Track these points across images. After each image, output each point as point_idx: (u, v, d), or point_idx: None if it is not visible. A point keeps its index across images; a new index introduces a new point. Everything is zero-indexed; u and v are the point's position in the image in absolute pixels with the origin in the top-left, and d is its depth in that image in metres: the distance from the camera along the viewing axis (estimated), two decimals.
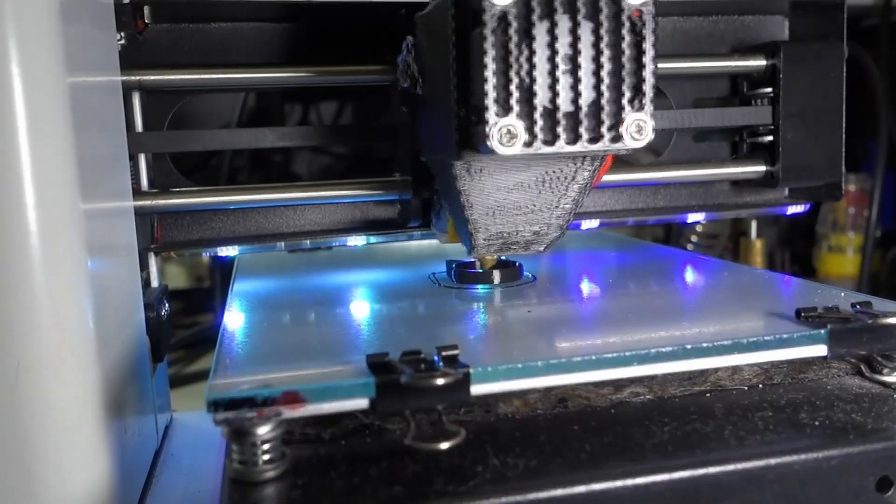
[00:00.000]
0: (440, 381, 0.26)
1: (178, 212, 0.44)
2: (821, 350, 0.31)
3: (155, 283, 0.43)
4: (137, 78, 0.40)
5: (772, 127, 0.47)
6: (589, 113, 0.29)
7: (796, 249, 0.85)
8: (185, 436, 0.43)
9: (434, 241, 0.48)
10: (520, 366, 0.28)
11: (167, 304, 0.41)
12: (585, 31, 0.29)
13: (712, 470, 0.25)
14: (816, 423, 0.28)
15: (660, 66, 0.47)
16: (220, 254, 0.45)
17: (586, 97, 0.29)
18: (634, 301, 0.39)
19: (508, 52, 0.28)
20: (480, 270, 0.43)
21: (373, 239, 0.47)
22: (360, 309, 0.39)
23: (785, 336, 0.31)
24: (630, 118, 0.29)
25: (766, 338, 0.30)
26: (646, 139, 0.29)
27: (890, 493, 0.26)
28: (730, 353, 0.30)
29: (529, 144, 0.29)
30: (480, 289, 0.42)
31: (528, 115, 0.28)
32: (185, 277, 0.80)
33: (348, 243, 0.47)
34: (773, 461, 0.26)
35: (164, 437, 0.42)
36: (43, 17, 0.26)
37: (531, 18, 0.28)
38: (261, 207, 0.45)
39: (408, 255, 0.52)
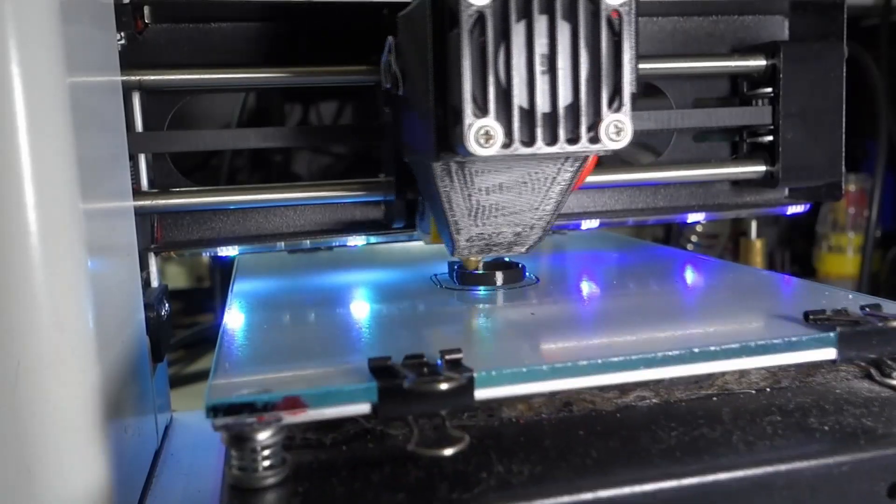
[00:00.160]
0: (444, 386, 0.26)
1: (178, 212, 0.44)
2: (830, 353, 0.31)
3: (155, 283, 0.43)
4: (137, 78, 0.40)
5: (772, 127, 0.47)
6: (567, 114, 0.29)
7: (796, 249, 0.85)
8: (185, 436, 0.43)
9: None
10: (524, 370, 0.28)
11: (167, 304, 0.41)
12: (563, 31, 0.28)
13: (721, 476, 0.25)
14: (826, 427, 0.28)
15: (660, 66, 0.48)
16: (220, 254, 0.45)
17: (564, 98, 0.29)
18: (639, 303, 0.39)
19: (485, 52, 0.28)
20: (482, 272, 0.42)
21: (373, 239, 0.47)
22: (362, 310, 0.39)
23: (794, 339, 0.30)
24: (608, 119, 0.29)
25: (774, 341, 0.30)
26: (624, 140, 0.29)
27: None
28: (738, 357, 0.30)
29: (507, 145, 0.28)
30: (483, 290, 0.41)
31: (505, 116, 0.28)
32: (185, 277, 0.80)
33: (348, 244, 0.47)
34: (783, 467, 0.25)
35: (164, 437, 0.42)
36: (43, 17, 0.26)
37: (508, 19, 0.28)
38: (259, 207, 0.45)
39: (409, 256, 0.52)
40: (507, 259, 0.43)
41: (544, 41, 0.28)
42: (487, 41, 0.28)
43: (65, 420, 0.27)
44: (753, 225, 0.74)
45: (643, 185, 0.49)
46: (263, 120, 0.79)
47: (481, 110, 0.28)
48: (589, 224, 0.49)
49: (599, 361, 0.28)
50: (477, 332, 0.35)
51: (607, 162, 0.50)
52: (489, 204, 0.34)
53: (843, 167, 0.47)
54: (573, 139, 0.29)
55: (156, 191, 0.43)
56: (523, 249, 0.37)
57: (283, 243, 0.47)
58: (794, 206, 0.51)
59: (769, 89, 0.47)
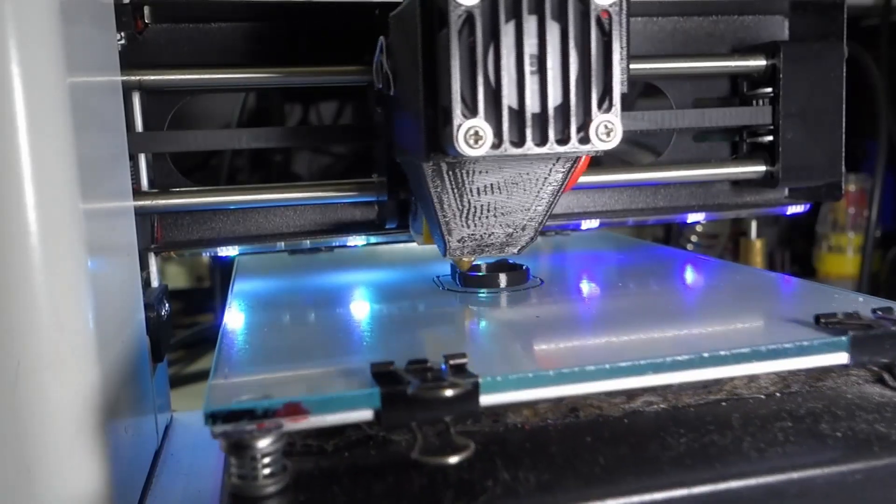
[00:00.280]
0: (448, 393, 0.26)
1: (178, 212, 0.44)
2: (842, 358, 0.30)
3: (155, 283, 0.43)
4: (137, 78, 0.40)
5: (772, 127, 0.47)
6: (557, 114, 0.29)
7: (796, 249, 0.85)
8: (185, 436, 0.43)
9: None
10: (531, 375, 0.27)
11: (167, 304, 0.41)
12: (552, 31, 0.28)
13: (733, 484, 0.24)
14: (839, 434, 0.27)
15: (660, 66, 0.48)
16: (220, 254, 0.45)
17: (554, 98, 0.28)
18: (645, 306, 0.38)
19: (474, 52, 0.28)
20: (486, 274, 0.42)
21: (372, 239, 0.47)
22: (363, 313, 0.39)
23: (805, 343, 0.29)
24: (598, 119, 0.29)
25: (786, 345, 0.29)
26: (614, 141, 0.29)
27: None
28: (748, 362, 0.29)
29: (496, 146, 0.28)
30: (487, 293, 0.41)
31: (495, 116, 0.28)
32: (185, 277, 0.80)
33: (347, 244, 0.47)
34: (795, 475, 0.25)
35: (164, 437, 0.42)
36: (43, 17, 0.26)
37: (497, 19, 0.28)
38: (258, 207, 0.45)
39: (411, 257, 0.51)
40: (510, 261, 0.43)
41: (534, 41, 0.28)
42: (476, 41, 0.28)
43: (65, 420, 0.27)
44: (753, 225, 0.74)
45: (643, 185, 0.49)
46: (263, 120, 0.79)
47: (470, 111, 0.28)
48: (589, 224, 0.49)
49: (608, 366, 0.28)
50: (481, 335, 0.34)
51: (607, 162, 0.50)
52: (480, 205, 0.34)
53: (843, 167, 0.47)
54: (563, 140, 0.29)
55: (156, 191, 0.43)
56: (515, 250, 0.36)
57: (282, 243, 0.47)
58: (794, 206, 0.51)
59: (769, 89, 0.47)
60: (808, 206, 0.51)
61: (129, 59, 0.40)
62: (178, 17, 0.43)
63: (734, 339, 0.30)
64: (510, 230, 0.36)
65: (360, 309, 0.39)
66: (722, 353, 0.29)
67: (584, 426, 0.28)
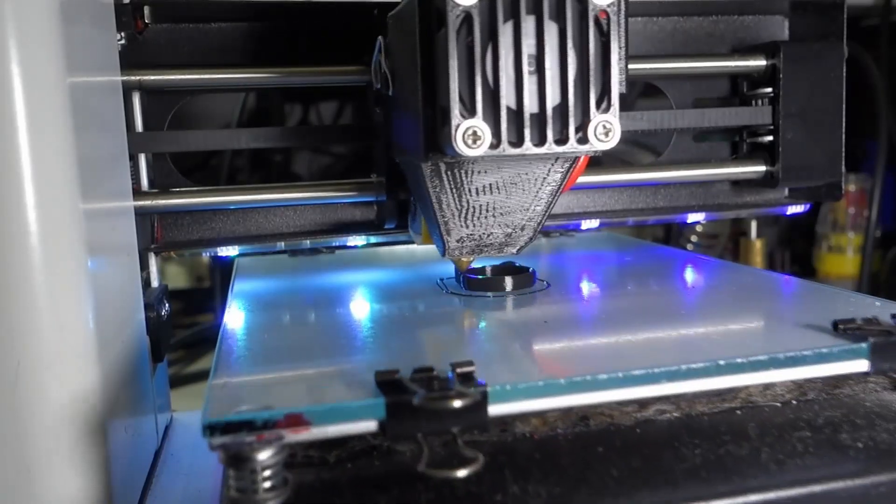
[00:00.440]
0: (456, 404, 0.24)
1: (178, 212, 0.44)
2: (862, 365, 0.29)
3: (155, 283, 0.43)
4: (137, 78, 0.40)
5: (772, 127, 0.47)
6: (555, 114, 0.29)
7: (796, 249, 0.85)
8: (185, 436, 0.43)
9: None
10: (541, 384, 0.26)
11: (167, 304, 0.41)
12: (550, 31, 0.28)
13: (752, 498, 0.23)
14: (860, 444, 0.26)
15: (660, 66, 0.48)
16: (220, 254, 0.45)
17: (552, 98, 0.28)
18: (656, 310, 0.37)
19: (473, 52, 0.28)
20: (491, 277, 0.41)
21: (373, 240, 0.47)
22: (366, 317, 0.38)
23: (824, 351, 0.28)
24: (597, 120, 0.29)
25: (804, 353, 0.28)
26: (613, 141, 0.29)
27: None
28: (766, 370, 0.28)
29: (495, 146, 0.28)
30: (492, 296, 0.40)
31: (493, 116, 0.28)
32: (185, 277, 0.80)
33: (347, 244, 0.47)
34: (817, 488, 0.24)
35: (164, 437, 0.42)
36: (43, 17, 0.26)
37: (495, 19, 0.28)
38: (258, 207, 0.45)
39: (413, 259, 0.51)
40: (516, 263, 0.42)
41: (532, 41, 0.28)
42: (475, 41, 0.28)
43: (65, 420, 0.27)
44: (753, 225, 0.74)
45: (643, 185, 0.49)
46: (263, 120, 0.79)
47: (469, 111, 0.28)
48: (589, 224, 0.49)
49: (620, 375, 0.27)
50: (487, 341, 0.34)
51: (607, 162, 0.50)
52: (479, 205, 0.34)
53: (843, 167, 0.47)
54: (561, 140, 0.29)
55: (156, 191, 0.43)
56: (514, 250, 0.36)
57: (282, 243, 0.47)
58: (794, 206, 0.51)
59: (769, 89, 0.47)
60: (808, 206, 0.51)
61: (129, 59, 0.40)
62: (178, 17, 0.43)
63: (750, 346, 0.29)
64: (509, 230, 0.36)
65: (363, 313, 0.39)
66: (738, 360, 0.28)
67: (595, 436, 0.27)
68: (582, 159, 0.34)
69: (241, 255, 0.48)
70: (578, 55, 0.28)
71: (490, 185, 0.33)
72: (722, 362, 0.28)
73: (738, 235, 0.79)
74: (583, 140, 0.29)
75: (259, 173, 0.80)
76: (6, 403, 0.26)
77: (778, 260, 0.84)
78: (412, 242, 0.46)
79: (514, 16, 0.28)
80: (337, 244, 0.49)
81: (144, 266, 0.41)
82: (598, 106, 0.29)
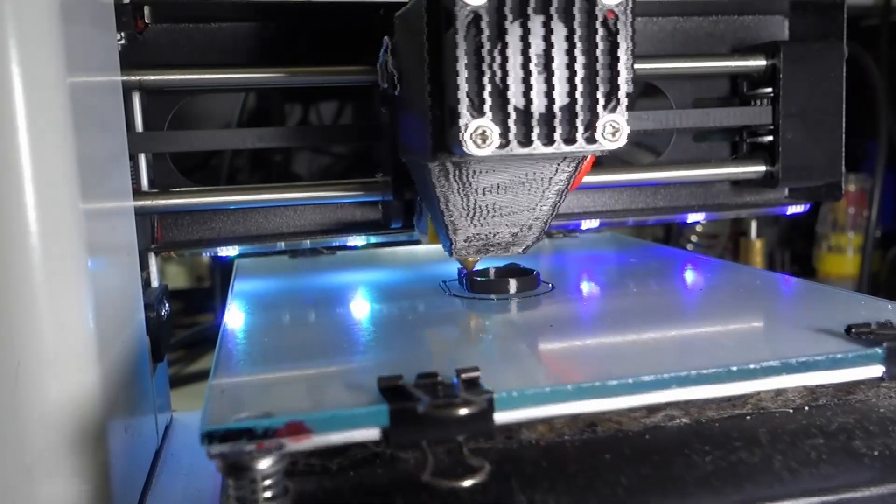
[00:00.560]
0: (462, 412, 0.24)
1: (178, 212, 0.44)
2: (877, 371, 0.28)
3: (155, 283, 0.43)
4: (137, 78, 0.40)
5: (772, 127, 0.47)
6: (563, 114, 0.28)
7: (796, 249, 0.85)
8: (185, 436, 0.43)
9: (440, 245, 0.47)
10: (548, 390, 0.26)
11: (167, 304, 0.41)
12: (558, 31, 0.28)
13: None
14: (874, 452, 0.25)
15: (660, 66, 0.48)
16: (220, 254, 0.45)
17: (560, 98, 0.28)
18: (664, 313, 0.37)
19: (481, 52, 0.28)
20: (495, 279, 0.40)
21: (373, 240, 0.47)
22: (368, 320, 0.37)
23: (838, 356, 0.28)
24: (605, 119, 0.29)
25: (817, 358, 0.28)
26: (621, 140, 0.29)
27: None
28: (778, 375, 0.27)
29: (503, 146, 0.28)
30: (496, 299, 0.39)
31: (501, 116, 0.28)
32: (185, 277, 0.80)
33: (348, 243, 0.47)
34: (833, 498, 0.23)
35: (164, 437, 0.42)
36: (43, 17, 0.26)
37: (504, 19, 0.28)
38: (258, 207, 0.45)
39: (414, 260, 0.50)
40: (521, 265, 0.42)
41: (540, 41, 0.28)
42: (483, 41, 0.28)
43: (65, 419, 0.27)
44: (753, 225, 0.74)
45: (643, 185, 0.49)
46: (263, 120, 0.79)
47: (477, 110, 0.28)
48: (589, 224, 0.49)
49: (630, 381, 0.26)
50: (492, 346, 0.33)
51: (607, 162, 0.50)
52: (486, 204, 0.34)
53: (843, 167, 0.47)
54: (569, 139, 0.29)
55: (156, 191, 0.43)
56: (521, 250, 0.36)
57: (283, 243, 0.47)
58: (794, 206, 0.51)
59: (769, 89, 0.47)
60: (808, 206, 0.51)
61: (129, 59, 0.40)
62: (178, 17, 0.43)
63: (762, 351, 0.29)
64: (516, 230, 0.36)
65: (364, 315, 0.38)
66: (750, 366, 0.27)
67: (603, 442, 0.26)
68: (588, 159, 0.34)
69: (241, 255, 0.48)
70: (586, 55, 0.28)
71: (497, 184, 0.33)
72: (733, 368, 0.27)
73: (738, 235, 0.79)
74: (591, 140, 0.29)
75: (259, 173, 0.80)
76: (6, 403, 0.26)
77: (778, 260, 0.84)
78: (413, 242, 0.46)
79: (522, 16, 0.28)
80: (337, 244, 0.48)
81: (144, 266, 0.41)
82: (605, 105, 0.29)
